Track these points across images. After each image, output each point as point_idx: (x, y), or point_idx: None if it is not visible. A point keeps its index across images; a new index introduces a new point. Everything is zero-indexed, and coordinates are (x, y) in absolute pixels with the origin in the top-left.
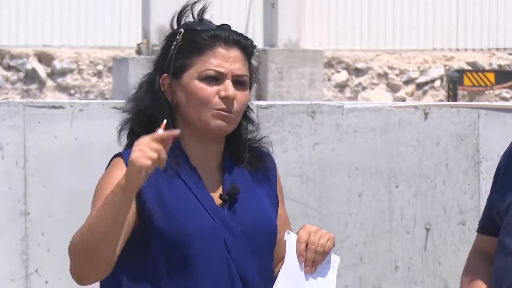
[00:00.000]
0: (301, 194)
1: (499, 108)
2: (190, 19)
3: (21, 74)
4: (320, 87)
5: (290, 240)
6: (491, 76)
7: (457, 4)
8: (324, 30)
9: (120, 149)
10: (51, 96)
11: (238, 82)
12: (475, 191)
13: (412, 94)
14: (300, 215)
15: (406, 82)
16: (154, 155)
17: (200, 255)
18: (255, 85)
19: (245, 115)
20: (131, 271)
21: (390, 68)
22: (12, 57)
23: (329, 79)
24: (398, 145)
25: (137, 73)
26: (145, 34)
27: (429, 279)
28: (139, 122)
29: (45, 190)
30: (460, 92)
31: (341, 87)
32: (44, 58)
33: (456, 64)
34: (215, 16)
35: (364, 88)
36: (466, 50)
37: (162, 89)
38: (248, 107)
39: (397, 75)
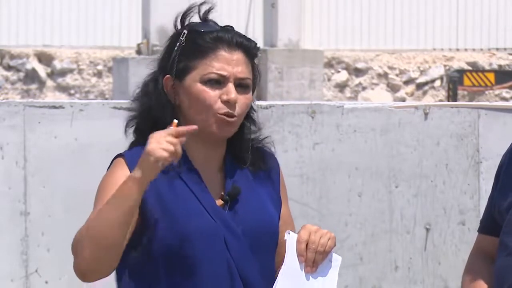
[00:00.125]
0: (301, 194)
1: (499, 108)
2: (193, 19)
3: (21, 74)
4: (320, 87)
5: (290, 240)
6: (491, 76)
7: (457, 4)
8: (324, 30)
9: (119, 148)
10: (51, 96)
11: (241, 85)
12: (475, 191)
13: (412, 94)
14: (300, 215)
15: (406, 82)
16: (171, 147)
17: (201, 256)
18: None
19: (248, 116)
20: (131, 271)
21: (390, 68)
22: (12, 57)
23: (329, 79)
24: (398, 145)
25: (137, 73)
26: (145, 34)
27: (429, 279)
28: (144, 121)
29: (45, 190)
30: (460, 92)
31: (341, 87)
32: (44, 58)
33: (456, 64)
34: (215, 16)
35: (364, 88)
36: (466, 50)
37: (165, 89)
38: (251, 107)
39: (397, 75)
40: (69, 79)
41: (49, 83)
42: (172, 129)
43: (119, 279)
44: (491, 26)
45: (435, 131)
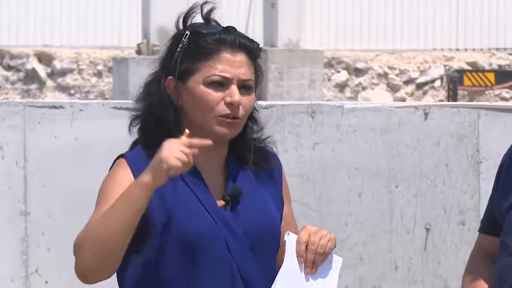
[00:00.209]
0: (301, 194)
1: (499, 108)
2: (195, 19)
3: (21, 74)
4: (320, 87)
5: (290, 241)
6: (491, 76)
7: (457, 4)
8: (324, 30)
9: (120, 148)
10: (51, 96)
11: (244, 87)
12: (475, 191)
13: (412, 94)
14: (300, 215)
15: (406, 82)
16: (184, 157)
17: (201, 257)
18: None
19: (251, 116)
20: (132, 272)
21: (390, 68)
22: (12, 57)
23: (329, 79)
24: (398, 145)
25: (137, 73)
26: (145, 34)
27: (429, 279)
28: (147, 121)
29: (45, 190)
30: (460, 92)
31: (341, 87)
32: (44, 58)
33: (456, 64)
34: (215, 17)
35: (364, 88)
36: (466, 50)
37: (168, 90)
38: (253, 107)
39: (397, 75)
40: (69, 79)
41: (49, 83)
42: (186, 139)
43: (120, 280)
44: (491, 26)
45: (435, 131)
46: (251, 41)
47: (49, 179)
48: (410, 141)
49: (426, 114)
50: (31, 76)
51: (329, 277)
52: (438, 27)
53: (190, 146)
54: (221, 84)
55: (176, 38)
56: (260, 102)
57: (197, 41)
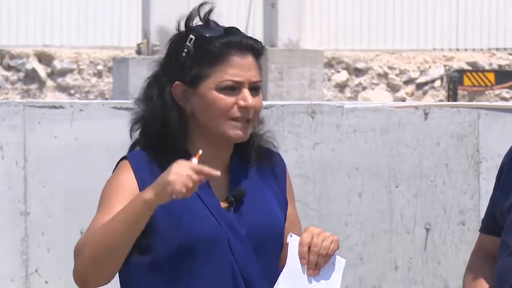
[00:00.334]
0: (301, 194)
1: (499, 108)
2: (195, 20)
3: (21, 74)
4: (320, 87)
5: (292, 243)
6: (491, 76)
7: (457, 4)
8: (324, 30)
9: (119, 148)
10: (51, 96)
11: (253, 88)
12: (475, 191)
13: (412, 94)
14: (300, 215)
15: (406, 82)
16: (190, 184)
17: (204, 258)
18: None
19: None
20: (135, 273)
21: (390, 68)
22: (12, 57)
23: (329, 79)
24: (398, 145)
25: (137, 73)
26: (145, 34)
27: (429, 279)
28: (150, 126)
29: (45, 190)
30: (460, 92)
31: (341, 87)
32: (44, 58)
33: (456, 64)
34: (215, 17)
35: (364, 88)
36: (466, 50)
37: (174, 95)
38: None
39: (397, 75)
40: (69, 79)
41: (49, 83)
42: (196, 165)
43: (122, 282)
44: (491, 26)
45: (435, 131)
46: (256, 41)
47: (49, 179)
48: (410, 141)
49: (426, 114)
50: (31, 76)
51: (332, 278)
52: (438, 27)
53: (198, 173)
54: (233, 88)
55: (178, 41)
56: None
57: (203, 46)
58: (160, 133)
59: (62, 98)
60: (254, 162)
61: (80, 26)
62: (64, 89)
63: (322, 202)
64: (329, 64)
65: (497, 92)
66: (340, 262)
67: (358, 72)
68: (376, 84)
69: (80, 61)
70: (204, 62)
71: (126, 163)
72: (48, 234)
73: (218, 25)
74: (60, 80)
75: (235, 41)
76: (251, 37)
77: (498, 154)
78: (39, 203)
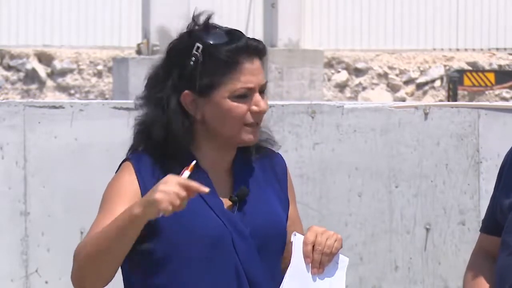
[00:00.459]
0: (301, 194)
1: (499, 108)
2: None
3: (21, 74)
4: (320, 87)
5: (296, 242)
6: (491, 76)
7: (457, 4)
8: (324, 30)
9: (119, 148)
10: (51, 96)
11: (261, 91)
12: (475, 191)
13: (412, 94)
14: (300, 215)
15: (406, 82)
16: (177, 202)
17: (208, 258)
18: None
19: None
20: (139, 273)
21: (390, 68)
22: (12, 57)
23: (329, 79)
24: (398, 145)
25: (137, 73)
26: (145, 34)
27: (429, 279)
28: (155, 132)
29: (45, 190)
30: (460, 92)
31: (341, 87)
32: (44, 58)
33: (456, 64)
34: (216, 17)
35: (364, 88)
36: (466, 50)
37: (183, 104)
38: None
39: (397, 75)
40: (69, 79)
41: (49, 83)
42: (184, 181)
43: (126, 280)
44: (491, 26)
45: (435, 131)
46: (259, 42)
47: (49, 179)
48: (410, 141)
49: (426, 114)
50: (31, 76)
51: (336, 277)
52: (438, 27)
53: (187, 189)
54: (246, 95)
55: (183, 49)
56: None
57: (212, 54)
58: (166, 139)
59: (62, 98)
60: (256, 162)
61: (80, 26)
62: (64, 89)
63: (322, 202)
64: (329, 64)
65: (497, 92)
66: (343, 260)
67: (358, 72)
68: (376, 84)
69: (80, 61)
70: (215, 71)
71: (128, 164)
72: (48, 234)
73: (218, 27)
74: (60, 80)
75: (243, 46)
76: (254, 38)
77: (498, 154)
78: (39, 203)
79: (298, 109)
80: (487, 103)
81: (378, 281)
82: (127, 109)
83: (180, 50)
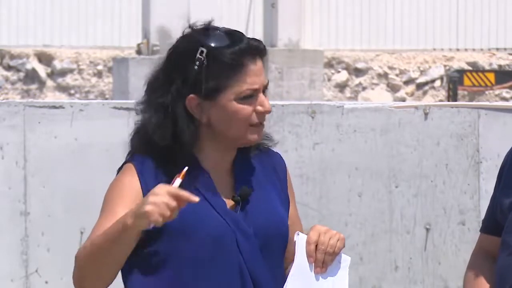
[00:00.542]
0: (301, 194)
1: (499, 108)
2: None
3: (21, 74)
4: (320, 87)
5: (299, 241)
6: (491, 76)
7: (457, 4)
8: (324, 30)
9: (119, 149)
10: (51, 96)
11: (264, 90)
12: (475, 191)
13: (412, 94)
14: (300, 215)
15: (406, 82)
16: (167, 213)
17: (212, 258)
18: None
19: None
20: (141, 274)
21: (390, 68)
22: (12, 57)
23: (329, 79)
24: (398, 145)
25: (137, 73)
26: (145, 34)
27: (429, 279)
28: (159, 135)
29: (45, 190)
30: (460, 92)
31: (341, 87)
32: (44, 58)
33: (456, 64)
34: (215, 17)
35: (364, 88)
36: (466, 50)
37: (189, 108)
38: None
39: (397, 75)
40: (69, 79)
41: (49, 83)
42: (174, 190)
43: (127, 282)
44: (491, 26)
45: (435, 131)
46: (259, 42)
47: (49, 179)
48: (410, 141)
49: (426, 114)
50: (31, 76)
51: (339, 276)
52: (438, 27)
53: (177, 199)
54: (251, 96)
55: (185, 52)
56: None
57: (216, 57)
58: (170, 143)
59: (62, 98)
60: (255, 162)
61: (80, 26)
62: (64, 89)
63: (322, 202)
64: (329, 64)
65: (497, 92)
66: (345, 260)
67: (358, 72)
68: (376, 84)
69: (80, 61)
70: (220, 74)
71: (130, 166)
72: (48, 234)
73: (218, 28)
74: (60, 80)
75: (245, 48)
76: (254, 38)
77: (498, 154)
78: (39, 203)
79: (298, 109)
80: (487, 103)
81: (378, 281)
82: (127, 109)
83: (182, 54)
